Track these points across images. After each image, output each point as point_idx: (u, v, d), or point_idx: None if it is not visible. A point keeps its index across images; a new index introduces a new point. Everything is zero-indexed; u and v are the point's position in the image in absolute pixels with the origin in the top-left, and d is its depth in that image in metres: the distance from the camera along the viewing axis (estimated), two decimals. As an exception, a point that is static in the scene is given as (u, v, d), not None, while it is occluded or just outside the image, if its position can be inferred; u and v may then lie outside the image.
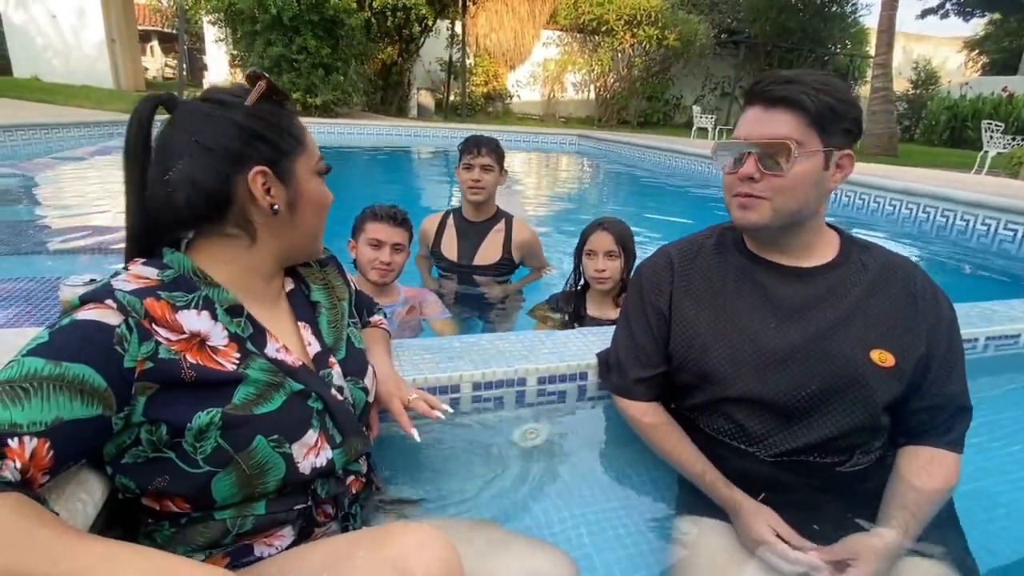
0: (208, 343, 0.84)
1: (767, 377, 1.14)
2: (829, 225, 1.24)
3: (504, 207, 2.71)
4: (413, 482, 1.25)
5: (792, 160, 1.06)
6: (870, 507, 1.10)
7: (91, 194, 5.11)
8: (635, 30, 16.97)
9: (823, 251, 1.20)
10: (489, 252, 2.57)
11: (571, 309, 2.21)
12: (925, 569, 1.02)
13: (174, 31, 14.05)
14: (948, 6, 23.16)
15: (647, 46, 17.16)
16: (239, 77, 13.24)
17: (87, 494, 0.76)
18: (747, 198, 1.11)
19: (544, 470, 1.34)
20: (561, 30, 18.41)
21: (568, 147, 12.23)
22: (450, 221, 2.64)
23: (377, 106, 15.60)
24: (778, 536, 1.01)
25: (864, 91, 18.31)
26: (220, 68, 13.85)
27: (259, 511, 0.86)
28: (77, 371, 0.69)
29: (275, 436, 0.84)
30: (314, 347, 0.99)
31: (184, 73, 14.25)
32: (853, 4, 20.07)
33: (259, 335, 0.91)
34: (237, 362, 0.85)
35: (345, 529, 0.98)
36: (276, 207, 0.89)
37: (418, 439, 1.08)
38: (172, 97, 0.90)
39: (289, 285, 1.03)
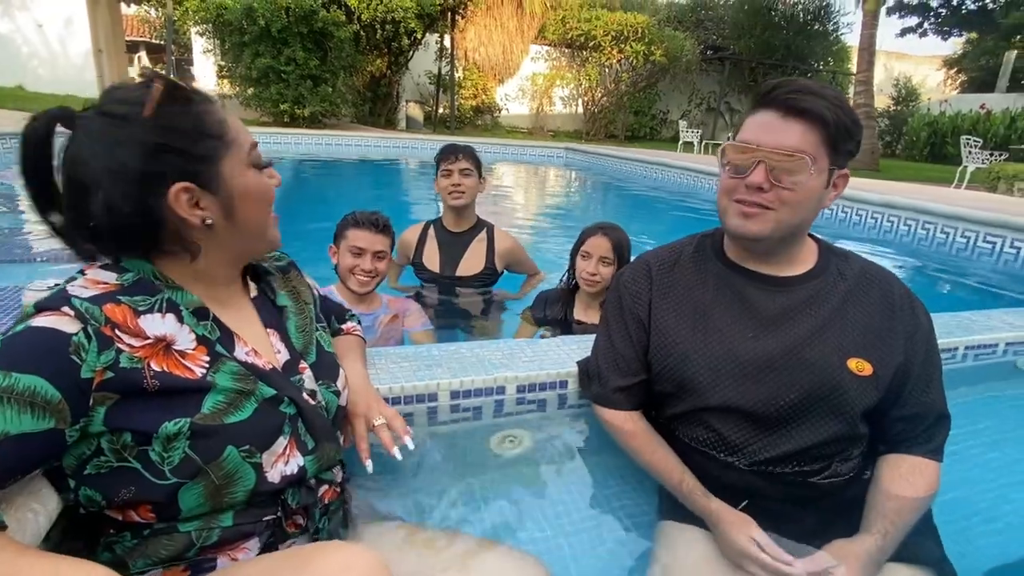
0: (175, 347, 0.81)
1: (745, 386, 1.13)
2: (808, 234, 1.24)
3: (493, 218, 2.70)
4: (389, 492, 1.22)
5: (807, 175, 1.04)
6: (850, 516, 1.09)
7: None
8: (622, 46, 17.16)
9: (803, 260, 1.19)
10: (472, 263, 2.55)
11: (559, 314, 2.21)
12: (904, 576, 1.01)
13: (162, 42, 13.98)
14: (926, 25, 23.70)
15: (634, 61, 17.35)
16: (227, 88, 13.20)
17: (39, 504, 0.73)
18: (751, 207, 1.08)
19: (524, 479, 1.32)
20: (549, 45, 18.59)
21: (555, 159, 12.30)
22: (431, 232, 2.61)
23: (365, 118, 15.61)
24: (758, 546, 1.00)
25: (847, 107, 18.61)
26: (208, 79, 13.80)
27: (226, 523, 0.83)
28: (28, 383, 0.66)
29: (247, 446, 0.82)
30: (283, 355, 0.97)
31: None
32: (835, 23, 20.49)
33: (227, 338, 0.89)
34: (207, 366, 0.83)
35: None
36: (209, 221, 0.84)
37: (369, 470, 1.05)
38: (69, 113, 0.80)
39: (254, 291, 1.01)
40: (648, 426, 1.27)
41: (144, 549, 0.80)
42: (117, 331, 0.76)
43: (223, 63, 12.86)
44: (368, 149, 11.34)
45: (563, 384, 1.43)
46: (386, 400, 1.23)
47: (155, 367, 0.78)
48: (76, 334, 0.72)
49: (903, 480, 1.10)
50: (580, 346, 1.55)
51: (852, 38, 19.80)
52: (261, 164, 0.90)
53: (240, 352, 0.89)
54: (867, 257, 1.24)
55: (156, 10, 15.63)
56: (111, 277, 0.82)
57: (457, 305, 2.56)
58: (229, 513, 0.83)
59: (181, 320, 0.84)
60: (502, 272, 2.64)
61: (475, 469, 1.33)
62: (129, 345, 0.77)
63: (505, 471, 1.33)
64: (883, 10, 14.13)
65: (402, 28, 13.31)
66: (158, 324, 0.81)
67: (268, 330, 0.98)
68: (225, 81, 13.18)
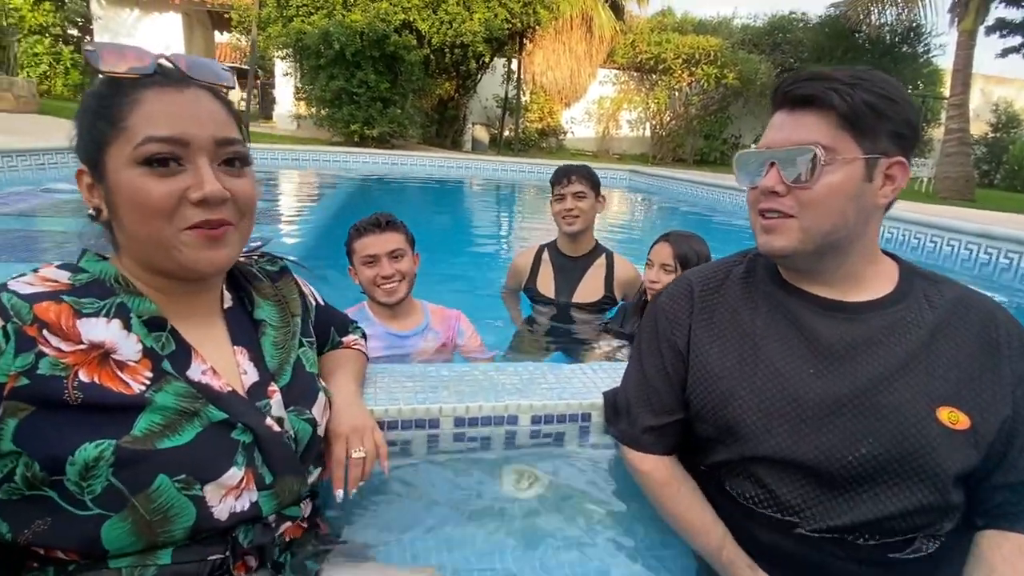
0: (113, 356, 0.72)
1: (804, 435, 0.92)
2: (886, 253, 1.02)
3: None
4: (377, 531, 1.08)
5: (819, 169, 0.88)
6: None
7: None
8: (693, 69, 16.85)
9: (876, 283, 0.98)
10: (589, 289, 2.41)
11: (635, 328, 2.08)
12: None
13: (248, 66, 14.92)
14: (1032, 46, 21.86)
15: (705, 84, 16.98)
16: (302, 109, 13.82)
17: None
18: (772, 219, 0.94)
19: (534, 525, 1.14)
20: (618, 68, 18.51)
21: (619, 182, 12.08)
22: (545, 256, 2.51)
23: (432, 139, 15.95)
24: None
25: (938, 133, 17.43)
26: (287, 101, 14.51)
27: (163, 560, 0.72)
28: None
29: (182, 476, 0.70)
30: (251, 376, 0.85)
31: (256, 106, 14.91)
32: (926, 44, 19.29)
33: (183, 354, 0.78)
34: (147, 382, 0.73)
35: None
36: (92, 211, 0.78)
37: (339, 499, 0.92)
38: None
39: (228, 302, 0.90)
40: (684, 474, 1.08)
41: None
42: (45, 332, 0.68)
43: (299, 84, 13.48)
44: (433, 169, 11.54)
45: (586, 417, 1.25)
46: (380, 424, 1.09)
47: (83, 378, 0.68)
48: None
49: (1005, 563, 0.88)
50: (609, 374, 1.36)
51: (945, 60, 18.57)
52: (155, 163, 0.72)
53: (195, 371, 0.78)
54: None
55: (246, 37, 16.66)
56: (63, 276, 0.75)
57: (571, 332, 2.41)
58: (168, 550, 0.72)
59: (128, 328, 0.75)
60: (620, 301, 2.48)
61: (480, 509, 1.16)
62: (57, 349, 0.68)
63: (513, 514, 1.16)
64: (981, 29, 13.13)
65: (470, 52, 13.57)
66: (99, 329, 0.72)
67: (236, 348, 0.87)
68: (302, 103, 13.81)
